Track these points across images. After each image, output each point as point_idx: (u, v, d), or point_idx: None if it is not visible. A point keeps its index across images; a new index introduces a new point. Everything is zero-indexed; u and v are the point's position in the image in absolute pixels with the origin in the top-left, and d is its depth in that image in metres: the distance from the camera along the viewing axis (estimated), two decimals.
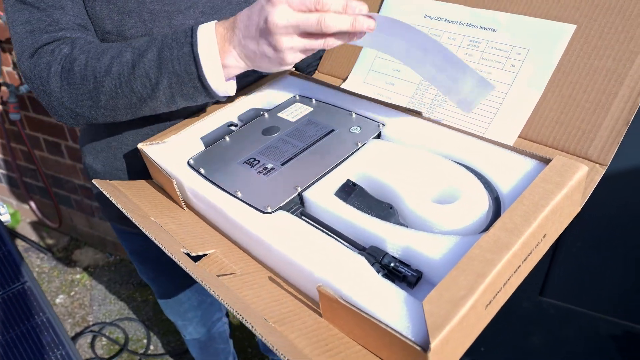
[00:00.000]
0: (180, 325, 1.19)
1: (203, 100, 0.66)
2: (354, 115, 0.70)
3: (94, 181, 0.67)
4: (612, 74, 0.60)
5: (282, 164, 0.63)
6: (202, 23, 0.66)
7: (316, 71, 0.89)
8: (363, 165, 0.61)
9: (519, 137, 0.65)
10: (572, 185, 0.52)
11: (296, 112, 0.73)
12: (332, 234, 0.54)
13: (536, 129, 0.64)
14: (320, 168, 0.61)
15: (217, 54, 0.60)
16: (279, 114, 0.73)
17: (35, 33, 0.67)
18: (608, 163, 0.59)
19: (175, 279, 1.05)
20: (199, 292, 1.11)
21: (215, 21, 0.62)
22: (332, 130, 0.68)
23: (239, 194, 0.59)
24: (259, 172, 0.62)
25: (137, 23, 0.71)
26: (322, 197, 0.58)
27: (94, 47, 0.66)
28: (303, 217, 0.57)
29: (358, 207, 0.56)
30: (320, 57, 0.90)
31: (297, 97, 0.77)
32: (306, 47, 0.57)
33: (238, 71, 0.63)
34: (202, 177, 0.64)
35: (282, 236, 0.53)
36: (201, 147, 0.71)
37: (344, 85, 0.82)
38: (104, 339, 1.86)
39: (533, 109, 0.64)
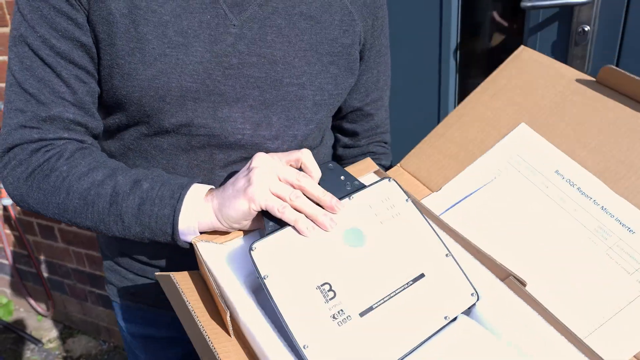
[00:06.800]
0: None
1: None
2: (449, 257, 0.58)
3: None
4: None
5: (361, 315, 0.52)
6: (247, 121, 0.66)
7: (398, 165, 0.78)
8: (442, 355, 0.51)
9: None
10: None
11: (385, 208, 0.60)
12: None
13: None
14: (403, 343, 0.51)
15: (196, 220, 0.59)
16: (364, 196, 0.60)
17: (25, 130, 0.63)
18: None
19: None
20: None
21: (212, 187, 0.62)
22: (422, 276, 0.57)
23: (306, 351, 0.48)
24: (333, 317, 0.51)
25: (177, 112, 0.65)
26: None
27: (78, 161, 0.63)
28: None
29: None
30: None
31: (391, 180, 0.63)
32: (278, 193, 0.56)
33: (208, 228, 0.60)
34: (266, 291, 0.51)
35: None
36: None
37: (430, 200, 0.71)
38: None
39: None
